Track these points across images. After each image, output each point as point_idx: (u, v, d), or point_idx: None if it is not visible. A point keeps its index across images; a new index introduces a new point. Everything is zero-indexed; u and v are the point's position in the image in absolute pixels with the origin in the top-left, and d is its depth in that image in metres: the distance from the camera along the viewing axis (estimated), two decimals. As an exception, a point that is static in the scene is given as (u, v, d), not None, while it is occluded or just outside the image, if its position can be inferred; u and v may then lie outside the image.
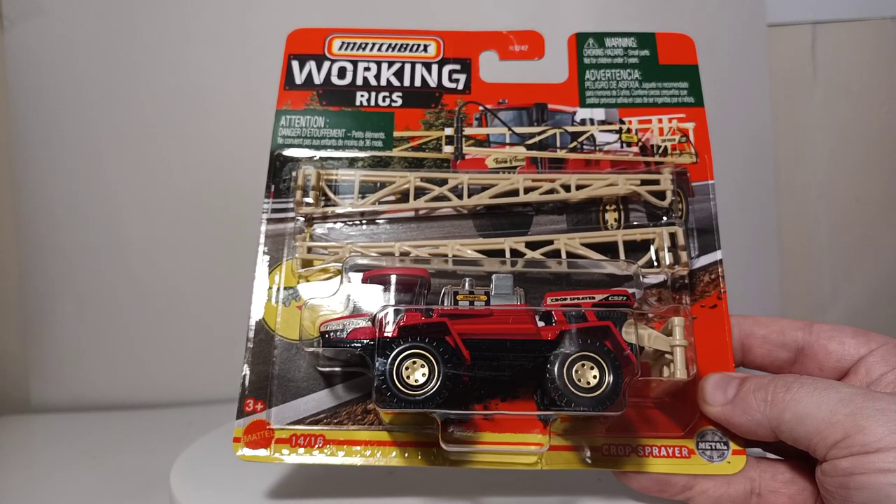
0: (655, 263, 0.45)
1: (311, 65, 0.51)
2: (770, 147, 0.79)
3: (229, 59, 0.82)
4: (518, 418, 0.41)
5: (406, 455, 0.41)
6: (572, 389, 0.37)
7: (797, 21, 0.81)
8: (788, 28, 0.81)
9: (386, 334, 0.38)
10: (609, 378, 0.37)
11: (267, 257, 0.46)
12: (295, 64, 0.51)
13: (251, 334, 0.44)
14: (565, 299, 0.41)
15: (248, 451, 0.41)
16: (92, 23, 0.79)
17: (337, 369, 0.43)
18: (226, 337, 0.78)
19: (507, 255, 0.45)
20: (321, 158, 0.48)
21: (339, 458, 0.41)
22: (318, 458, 0.41)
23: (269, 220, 0.47)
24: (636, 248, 0.46)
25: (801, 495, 0.39)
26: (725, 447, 0.41)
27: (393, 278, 0.41)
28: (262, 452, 0.41)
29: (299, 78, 0.51)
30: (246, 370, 0.43)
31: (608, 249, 0.46)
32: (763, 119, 0.79)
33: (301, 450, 0.41)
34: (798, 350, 0.43)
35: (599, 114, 0.50)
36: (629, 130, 0.49)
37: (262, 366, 0.43)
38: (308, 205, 0.46)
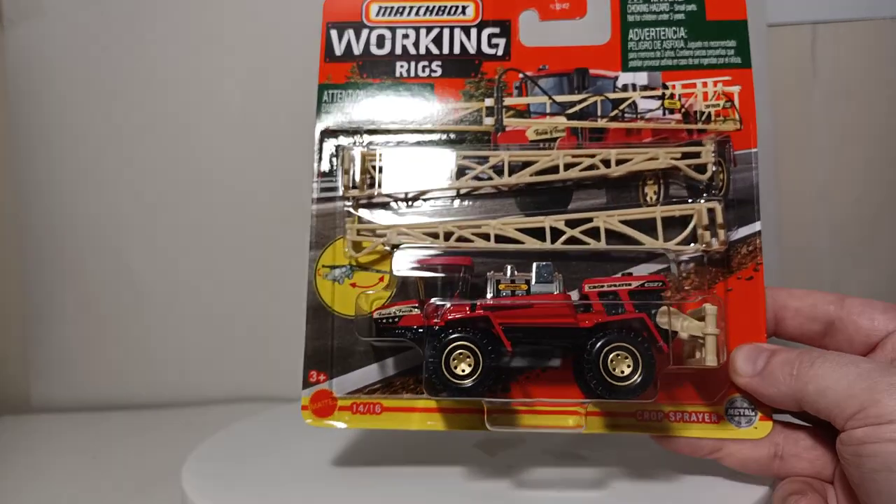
0: (693, 243, 0.46)
1: (350, 34, 0.51)
2: (770, 147, 0.78)
3: (230, 59, 0.81)
4: (557, 386, 0.44)
5: (457, 421, 0.45)
6: (607, 378, 0.40)
7: (797, 21, 0.78)
8: (788, 28, 0.78)
9: (434, 325, 0.41)
10: (642, 368, 0.40)
11: (315, 236, 0.48)
12: (334, 33, 0.51)
13: (309, 311, 0.47)
14: (602, 286, 0.43)
15: (314, 419, 0.46)
16: (92, 23, 0.78)
17: (389, 344, 0.47)
18: (227, 337, 0.82)
19: (548, 233, 0.47)
20: (365, 136, 0.50)
21: (397, 424, 0.46)
22: (377, 422, 0.46)
23: (319, 200, 0.49)
24: (675, 224, 0.47)
25: (820, 460, 0.42)
26: (753, 413, 0.44)
27: (439, 267, 0.44)
28: (327, 419, 0.46)
29: (339, 49, 0.51)
30: (306, 344, 0.47)
31: (647, 225, 0.47)
32: (763, 119, 0.76)
33: (362, 416, 0.46)
34: (829, 323, 0.44)
35: (642, 78, 0.49)
36: (672, 96, 0.48)
37: (321, 340, 0.47)
38: (354, 187, 0.48)
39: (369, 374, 0.47)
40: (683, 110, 0.48)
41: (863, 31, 0.79)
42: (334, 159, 0.49)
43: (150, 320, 0.81)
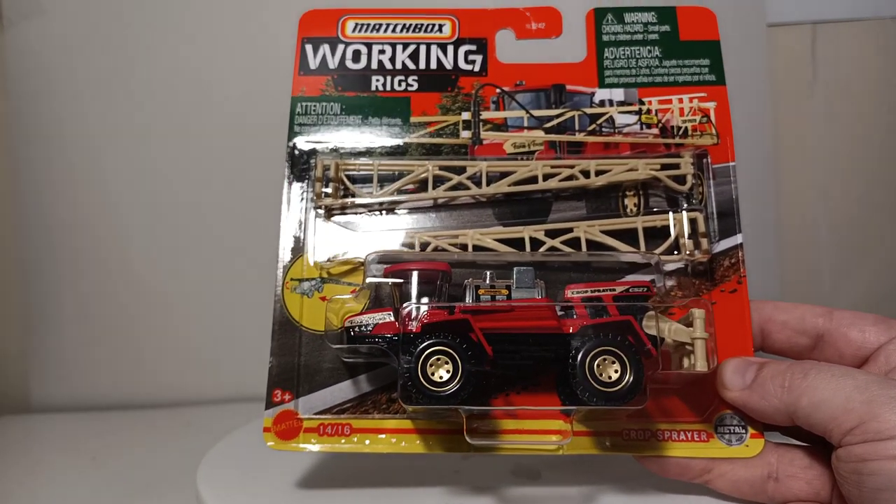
0: (676, 252, 0.45)
1: (325, 48, 0.51)
2: (770, 147, 0.79)
3: (229, 57, 0.81)
4: (540, 399, 0.42)
5: (430, 443, 0.42)
6: (594, 384, 0.37)
7: (797, 21, 0.80)
8: (788, 28, 0.80)
9: (410, 331, 0.39)
10: (630, 373, 0.37)
11: (288, 248, 0.46)
12: (309, 48, 0.51)
13: (275, 326, 0.45)
14: (586, 291, 0.41)
15: (277, 441, 0.42)
16: (92, 23, 0.79)
17: (361, 360, 0.44)
18: (226, 337, 0.80)
19: (527, 243, 0.45)
20: (338, 147, 0.48)
21: (366, 447, 0.42)
22: (345, 446, 0.42)
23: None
24: (656, 235, 0.46)
25: (819, 480, 0.40)
26: (744, 431, 0.42)
27: (415, 273, 0.42)
28: (291, 442, 0.42)
29: (314, 63, 0.50)
30: (272, 361, 0.44)
31: (628, 236, 0.45)
32: (763, 119, 0.79)
33: (329, 439, 0.43)
34: (818, 336, 0.43)
35: (619, 94, 0.49)
36: (649, 111, 0.48)
37: (287, 356, 0.44)
38: (327, 196, 0.46)
39: (338, 392, 0.44)
40: (660, 125, 0.48)
41: (863, 31, 0.81)
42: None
43: (149, 321, 0.80)
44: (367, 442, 0.42)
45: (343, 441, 0.43)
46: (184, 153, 0.81)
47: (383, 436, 0.43)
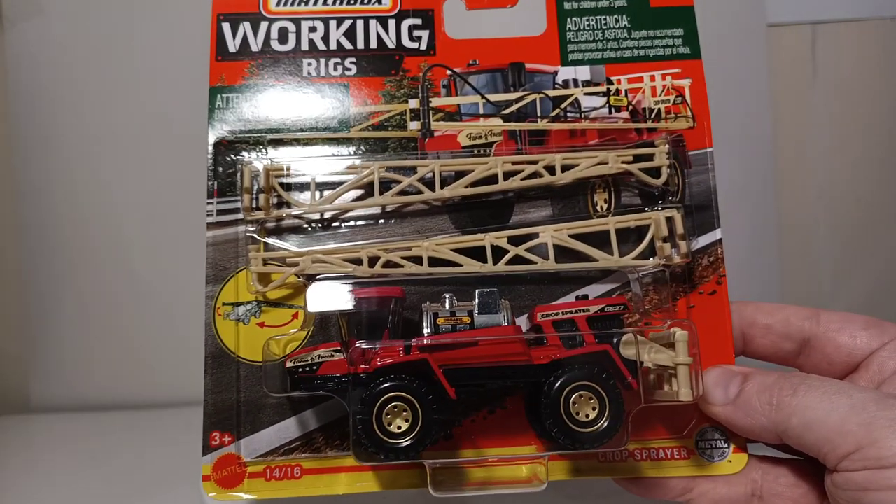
0: (652, 257, 0.40)
1: (246, 27, 0.44)
2: (770, 147, 0.78)
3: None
4: (511, 431, 0.38)
5: (388, 481, 0.38)
6: (570, 425, 0.34)
7: (797, 21, 0.79)
8: (788, 28, 0.79)
9: (361, 375, 0.34)
10: (609, 410, 0.34)
11: (212, 269, 0.41)
12: (226, 27, 0.43)
13: (208, 359, 0.40)
14: (557, 314, 0.37)
15: (219, 491, 0.38)
16: (92, 23, 0.77)
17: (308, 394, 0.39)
18: None
19: (489, 253, 0.40)
20: (269, 147, 0.42)
21: (319, 489, 0.38)
22: (297, 489, 0.38)
23: (215, 225, 0.41)
24: (630, 236, 0.41)
25: (806, 499, 0.37)
26: (726, 445, 0.39)
27: (364, 302, 0.36)
28: (234, 491, 0.38)
29: (233, 45, 0.43)
30: (206, 400, 0.39)
31: (599, 238, 0.41)
32: (763, 119, 0.77)
33: (277, 483, 0.38)
34: (804, 341, 0.40)
35: (584, 72, 0.44)
36: (618, 92, 0.43)
37: (224, 393, 0.39)
38: (258, 208, 0.40)
39: (285, 430, 0.39)
40: (631, 107, 0.43)
41: (863, 31, 0.80)
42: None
43: (149, 320, 0.79)
44: (322, 484, 0.38)
45: (293, 485, 0.38)
46: (182, 153, 0.74)
47: (339, 476, 0.38)
